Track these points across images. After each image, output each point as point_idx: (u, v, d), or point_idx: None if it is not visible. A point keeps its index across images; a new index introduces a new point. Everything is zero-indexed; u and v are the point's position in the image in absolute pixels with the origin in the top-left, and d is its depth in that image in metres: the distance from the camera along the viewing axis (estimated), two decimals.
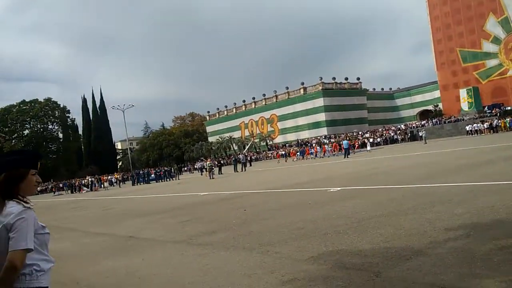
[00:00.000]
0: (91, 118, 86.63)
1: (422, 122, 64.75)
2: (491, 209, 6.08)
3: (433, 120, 62.78)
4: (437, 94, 75.14)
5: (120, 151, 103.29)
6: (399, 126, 64.69)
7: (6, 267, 2.00)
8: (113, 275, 5.68)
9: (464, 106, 62.30)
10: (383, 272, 4.09)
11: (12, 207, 2.10)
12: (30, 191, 2.26)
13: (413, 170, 14.68)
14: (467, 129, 48.29)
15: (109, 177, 50.53)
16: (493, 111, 55.84)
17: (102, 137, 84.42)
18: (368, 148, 40.99)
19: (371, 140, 41.94)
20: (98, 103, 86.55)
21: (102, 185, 45.08)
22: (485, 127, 46.63)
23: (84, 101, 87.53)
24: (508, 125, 44.20)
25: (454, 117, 60.19)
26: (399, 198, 8.46)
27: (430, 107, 76.83)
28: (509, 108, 55.47)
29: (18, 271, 2.02)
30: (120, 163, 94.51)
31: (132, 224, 10.77)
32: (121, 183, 47.30)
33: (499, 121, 46.33)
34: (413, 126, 60.63)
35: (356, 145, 46.93)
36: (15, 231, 2.03)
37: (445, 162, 15.96)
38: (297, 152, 48.45)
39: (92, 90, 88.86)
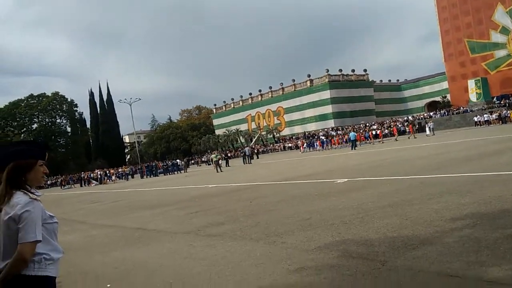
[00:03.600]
0: (98, 112, 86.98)
1: (430, 114, 64.23)
2: (498, 199, 6.05)
3: (441, 111, 62.25)
4: (445, 85, 74.38)
5: (128, 144, 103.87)
6: (406, 118, 64.22)
7: (15, 258, 2.05)
8: (121, 266, 5.76)
9: (473, 97, 61.59)
10: (389, 261, 4.11)
11: (19, 198, 2.13)
12: (37, 181, 2.28)
13: (420, 161, 14.61)
14: (475, 120, 47.82)
15: (118, 170, 50.91)
16: (501, 102, 55.21)
17: (110, 130, 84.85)
18: (428, 132, 38.96)
19: (430, 124, 39.34)
20: (105, 97, 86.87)
21: (111, 178, 45.42)
22: (494, 118, 46.15)
23: (91, 95, 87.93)
24: None
25: (463, 108, 59.61)
26: (405, 189, 8.45)
27: (438, 98, 76.16)
28: None
29: (27, 263, 2.06)
30: (128, 157, 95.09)
31: (140, 216, 10.88)
32: (129, 177, 47.61)
33: (508, 111, 45.82)
34: (421, 118, 60.18)
35: (380, 134, 45.77)
36: (23, 223, 2.06)
37: (452, 152, 15.86)
38: (304, 144, 48.47)
39: (99, 84, 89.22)
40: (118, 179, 46.24)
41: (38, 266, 2.11)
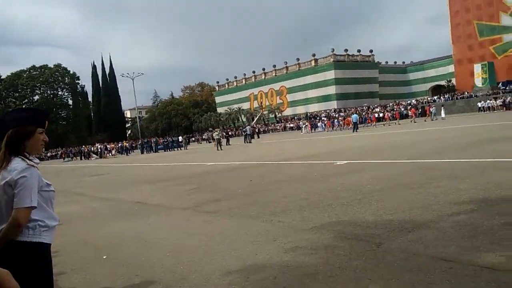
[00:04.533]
0: (100, 85, 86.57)
1: (434, 98, 63.75)
2: (498, 186, 6.04)
3: (445, 96, 61.77)
4: (451, 68, 73.50)
5: (129, 119, 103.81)
6: (409, 101, 63.80)
7: (10, 223, 2.05)
8: (120, 238, 5.81)
9: (478, 82, 60.88)
10: (385, 243, 4.13)
11: (17, 163, 2.13)
12: (36, 149, 2.27)
13: (421, 145, 14.57)
14: (479, 105, 47.48)
15: (118, 145, 51.04)
16: (507, 88, 54.70)
17: (112, 104, 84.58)
18: (443, 115, 38.92)
19: (432, 109, 39.20)
20: (107, 71, 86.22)
21: (111, 153, 45.57)
22: (498, 104, 45.81)
23: (94, 67, 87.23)
24: None
25: (467, 93, 59.10)
26: (405, 172, 8.44)
27: (443, 82, 75.42)
28: None
29: (21, 228, 2.07)
30: (129, 132, 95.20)
31: (139, 190, 10.95)
32: (130, 151, 47.78)
33: None
34: (425, 102, 59.78)
35: (386, 117, 45.56)
36: (19, 189, 2.06)
37: (454, 138, 15.81)
38: (305, 125, 48.35)
39: (102, 57, 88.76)
40: (118, 153, 46.40)
41: (33, 232, 2.12)
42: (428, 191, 6.31)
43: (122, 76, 64.88)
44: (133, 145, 54.96)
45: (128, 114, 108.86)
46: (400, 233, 4.41)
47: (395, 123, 39.62)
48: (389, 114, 46.11)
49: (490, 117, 31.20)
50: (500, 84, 58.21)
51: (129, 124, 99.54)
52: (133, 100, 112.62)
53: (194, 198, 8.38)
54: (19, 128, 2.20)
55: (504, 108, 44.34)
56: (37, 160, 2.25)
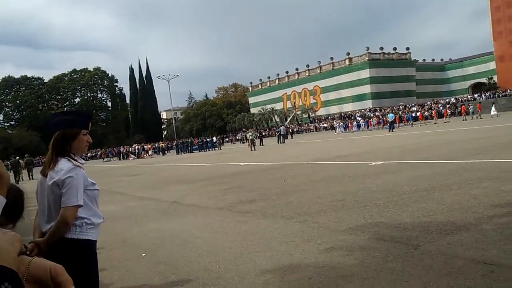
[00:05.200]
0: (138, 88, 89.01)
1: (475, 96, 61.35)
2: None
3: (487, 94, 59.29)
4: (492, 65, 70.45)
5: (165, 120, 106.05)
6: (448, 100, 61.67)
7: (58, 221, 2.18)
8: (157, 237, 5.98)
9: None
10: (422, 246, 4.05)
11: (64, 164, 2.25)
12: (81, 150, 2.40)
13: (460, 144, 14.09)
14: None
15: (155, 145, 52.25)
16: None
17: (148, 106, 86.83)
18: (494, 112, 37.79)
19: (493, 109, 38.17)
20: (144, 73, 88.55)
21: (148, 153, 46.71)
22: None
23: (131, 70, 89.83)
24: None
25: (510, 90, 56.46)
26: (443, 173, 8.20)
27: (484, 80, 72.42)
28: None
29: (69, 226, 2.19)
30: (165, 132, 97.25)
31: (175, 190, 11.19)
32: (166, 152, 48.80)
33: None
34: (464, 100, 57.63)
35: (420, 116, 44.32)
36: (66, 188, 2.19)
37: (495, 137, 15.17)
38: (339, 124, 47.74)
39: (139, 60, 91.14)
40: (154, 153, 47.48)
41: (80, 229, 2.24)
42: (468, 192, 6.12)
43: (158, 78, 66.41)
44: (169, 145, 56.14)
45: (164, 115, 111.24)
46: (439, 235, 4.31)
47: (434, 122, 38.44)
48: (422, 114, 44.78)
49: None
50: None
51: (165, 125, 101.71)
52: (169, 101, 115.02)
53: (229, 198, 8.48)
54: (65, 131, 2.33)
55: None
56: (82, 161, 2.37)
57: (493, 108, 37.97)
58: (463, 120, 36.25)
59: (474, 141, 14.69)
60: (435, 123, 36.65)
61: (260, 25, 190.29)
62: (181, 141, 49.77)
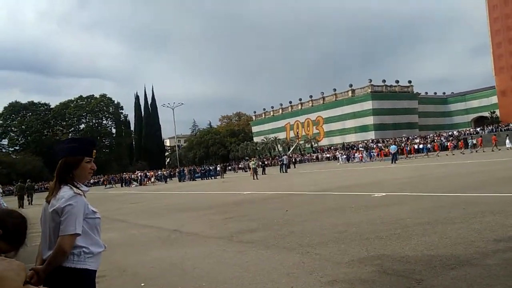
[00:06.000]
0: (142, 115, 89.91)
1: (477, 129, 61.55)
2: None
3: (489, 127, 59.50)
4: (494, 100, 71.11)
5: (169, 147, 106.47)
6: (451, 133, 61.84)
7: (55, 250, 2.17)
8: (157, 266, 5.92)
9: None
10: (426, 280, 3.99)
11: (65, 192, 2.27)
12: (84, 177, 2.42)
13: (462, 178, 14.05)
14: None
15: (158, 173, 52.21)
16: None
17: (152, 134, 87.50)
18: (508, 145, 38.18)
19: (507, 141, 38.46)
20: (149, 101, 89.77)
21: (150, 180, 46.65)
22: None
23: (137, 98, 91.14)
24: None
25: None
26: (446, 206, 8.15)
27: (486, 114, 72.84)
28: None
29: (66, 255, 2.18)
30: (168, 160, 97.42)
31: (177, 218, 11.13)
32: (168, 179, 48.74)
33: None
34: (467, 133, 57.77)
35: (436, 146, 44.59)
36: (65, 216, 2.19)
37: (496, 171, 15.13)
38: (341, 155, 47.74)
39: (145, 88, 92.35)
40: (157, 181, 47.41)
41: (78, 258, 2.22)
42: (472, 226, 6.07)
43: (163, 106, 67.16)
44: (172, 173, 56.08)
45: (167, 142, 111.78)
46: (442, 269, 4.25)
47: (437, 154, 38.45)
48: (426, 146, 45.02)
49: None
50: None
51: (168, 153, 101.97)
52: (173, 128, 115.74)
53: (230, 228, 8.42)
54: (68, 158, 2.36)
55: None
56: (85, 188, 2.38)
57: (507, 141, 38.15)
58: (461, 153, 36.29)
59: (477, 175, 14.66)
60: (438, 155, 36.64)
61: (265, 55, 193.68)
62: (182, 169, 49.76)
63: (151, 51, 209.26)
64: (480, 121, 74.45)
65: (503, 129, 55.14)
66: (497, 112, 69.53)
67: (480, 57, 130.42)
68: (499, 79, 68.62)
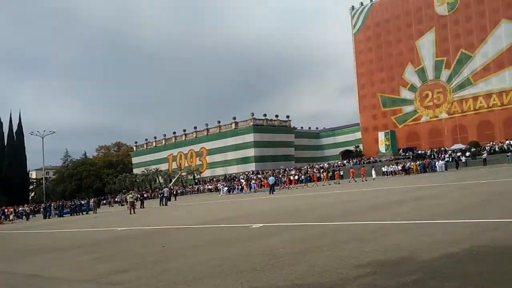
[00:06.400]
0: (5, 143, 79.40)
1: (344, 162, 68.11)
2: (397, 247, 6.42)
3: (354, 160, 66.34)
4: (358, 135, 79.82)
5: (35, 180, 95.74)
6: (322, 165, 67.37)
7: None
8: None
9: (382, 148, 66.90)
10: None
11: None
12: None
13: (332, 207, 15.24)
14: (383, 170, 51.43)
15: (19, 209, 46.16)
16: (407, 154, 60.43)
17: (16, 164, 77.48)
18: (374, 176, 43.20)
19: (373, 172, 44.58)
20: (15, 128, 79.82)
21: (8, 218, 40.99)
22: (399, 169, 50.01)
23: (0, 124, 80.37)
24: (419, 168, 47.74)
25: (373, 158, 64.17)
26: (317, 235, 8.66)
27: (352, 148, 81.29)
28: (421, 151, 60.40)
29: None
30: (32, 194, 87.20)
31: (37, 261, 9.84)
32: (31, 216, 43.47)
33: (411, 163, 50.02)
34: (335, 165, 63.53)
35: (316, 177, 48.08)
36: None
37: (362, 200, 16.80)
38: (222, 187, 48.32)
39: (11, 114, 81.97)
40: (17, 218, 41.94)
41: None
42: (337, 253, 6.49)
43: (31, 134, 60.51)
44: (36, 208, 50.18)
45: (33, 175, 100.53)
46: None
47: (315, 184, 41.51)
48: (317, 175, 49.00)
49: (392, 181, 33.91)
50: (401, 150, 64.25)
51: (33, 186, 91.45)
52: (41, 159, 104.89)
53: (98, 269, 7.69)
54: None
55: (404, 172, 48.36)
56: None
57: (373, 172, 42.96)
58: (335, 183, 39.84)
59: (345, 204, 16.04)
60: (317, 185, 39.49)
61: (147, 86, 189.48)
62: (49, 204, 44.80)
63: (19, 75, 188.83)
64: (346, 154, 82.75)
65: (365, 162, 61.95)
66: (361, 146, 78.13)
67: (349, 96, 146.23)
68: (362, 117, 77.56)
